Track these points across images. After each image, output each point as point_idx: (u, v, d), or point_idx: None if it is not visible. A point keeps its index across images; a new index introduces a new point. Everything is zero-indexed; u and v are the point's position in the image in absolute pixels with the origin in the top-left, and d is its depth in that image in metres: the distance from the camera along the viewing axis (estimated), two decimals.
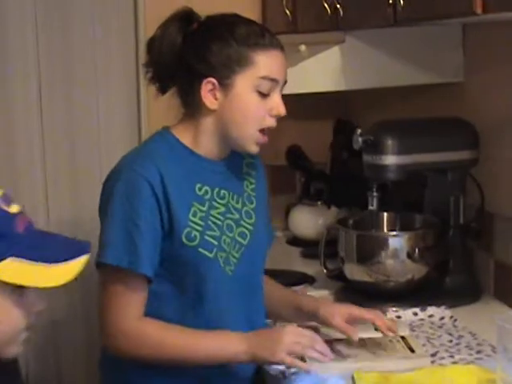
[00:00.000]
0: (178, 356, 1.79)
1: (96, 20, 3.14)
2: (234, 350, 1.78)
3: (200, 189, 1.85)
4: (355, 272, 2.30)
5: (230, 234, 1.88)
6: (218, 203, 1.87)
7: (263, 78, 1.79)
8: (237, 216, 1.91)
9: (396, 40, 2.44)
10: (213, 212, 1.86)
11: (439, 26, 2.39)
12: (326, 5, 2.39)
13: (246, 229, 1.92)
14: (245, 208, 1.93)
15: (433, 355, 1.93)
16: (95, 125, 3.20)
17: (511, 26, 2.09)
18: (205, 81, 1.79)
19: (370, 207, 2.30)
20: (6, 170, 3.11)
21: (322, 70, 2.46)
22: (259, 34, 1.80)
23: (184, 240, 1.80)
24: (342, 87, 2.49)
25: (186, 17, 1.85)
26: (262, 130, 1.83)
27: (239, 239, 1.91)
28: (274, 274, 2.14)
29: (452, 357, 1.92)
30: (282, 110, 1.82)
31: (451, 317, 2.17)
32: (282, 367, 1.82)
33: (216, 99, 1.80)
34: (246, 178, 1.97)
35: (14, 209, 1.38)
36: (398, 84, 2.51)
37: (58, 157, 3.15)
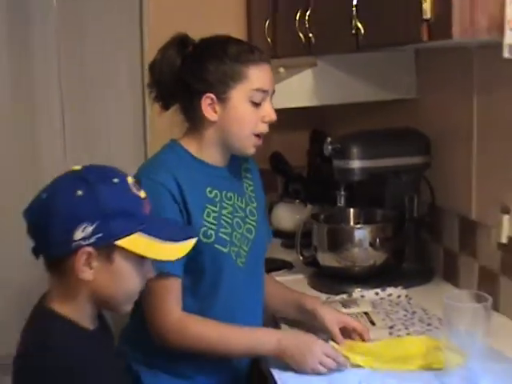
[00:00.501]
0: (216, 348, 1.74)
1: (108, 47, 3.18)
2: (265, 346, 1.73)
3: (210, 192, 1.82)
4: (326, 259, 2.32)
5: (239, 231, 1.86)
6: (227, 204, 1.84)
7: (256, 90, 1.76)
8: (242, 214, 1.88)
9: (359, 63, 2.45)
10: (223, 212, 1.83)
11: (395, 51, 2.41)
12: (300, 34, 2.42)
13: (252, 225, 1.90)
14: (248, 207, 1.91)
15: (390, 328, 1.96)
16: (106, 139, 3.22)
17: (455, 51, 2.13)
18: (204, 96, 1.76)
19: (339, 204, 2.32)
20: (31, 170, 3.14)
21: (298, 88, 2.47)
22: (249, 51, 1.77)
23: (202, 238, 1.76)
24: (314, 103, 2.50)
25: (181, 41, 1.82)
26: (257, 135, 1.80)
27: (247, 234, 1.88)
28: None
29: (407, 329, 1.95)
30: (273, 116, 1.79)
31: (406, 295, 2.19)
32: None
33: (215, 112, 1.77)
34: (244, 181, 1.94)
35: (142, 194, 1.44)
36: (361, 100, 2.52)
37: (77, 160, 3.17)
